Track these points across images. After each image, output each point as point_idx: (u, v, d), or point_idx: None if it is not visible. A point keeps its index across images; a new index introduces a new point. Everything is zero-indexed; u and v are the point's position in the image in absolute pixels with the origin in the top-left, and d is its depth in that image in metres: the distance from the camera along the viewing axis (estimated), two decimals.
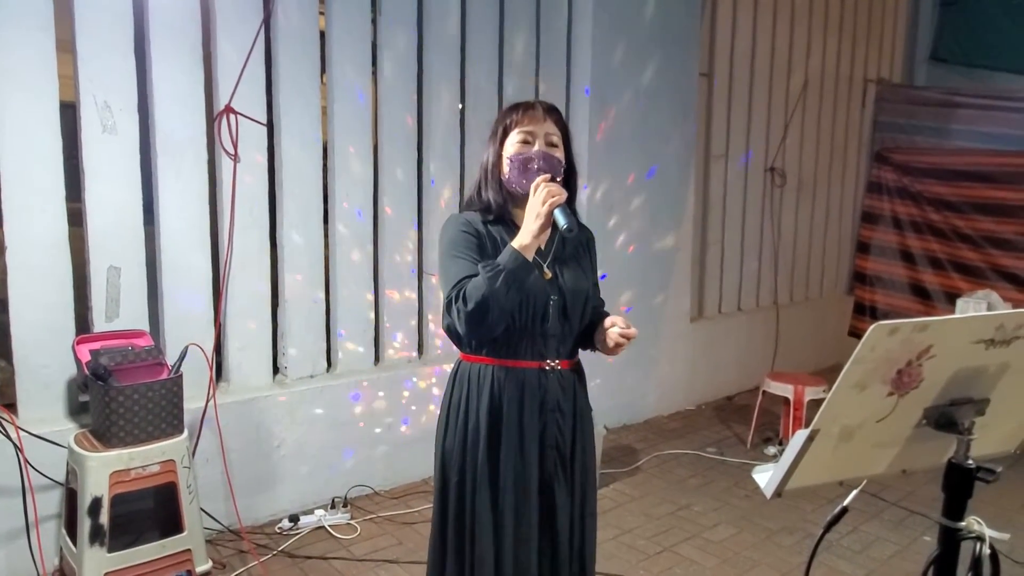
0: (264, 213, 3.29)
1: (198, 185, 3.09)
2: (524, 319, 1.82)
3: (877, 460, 1.44)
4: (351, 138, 3.48)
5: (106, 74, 2.82)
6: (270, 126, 3.27)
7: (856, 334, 6.00)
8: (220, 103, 3.11)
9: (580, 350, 1.98)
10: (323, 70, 3.41)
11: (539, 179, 1.76)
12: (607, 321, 1.87)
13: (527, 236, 1.73)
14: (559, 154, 1.86)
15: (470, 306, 1.70)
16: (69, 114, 2.78)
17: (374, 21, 3.52)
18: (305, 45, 3.29)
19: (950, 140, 5.78)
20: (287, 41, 3.24)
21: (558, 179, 1.82)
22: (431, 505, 2.02)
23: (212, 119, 3.12)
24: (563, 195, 1.74)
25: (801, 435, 1.30)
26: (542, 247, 1.83)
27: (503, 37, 3.95)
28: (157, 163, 2.99)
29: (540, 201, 1.72)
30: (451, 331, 1.82)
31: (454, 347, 1.95)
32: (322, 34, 3.38)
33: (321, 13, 3.36)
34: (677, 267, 4.85)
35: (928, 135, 5.94)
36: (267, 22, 3.18)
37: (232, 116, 3.11)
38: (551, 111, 1.89)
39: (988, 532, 1.37)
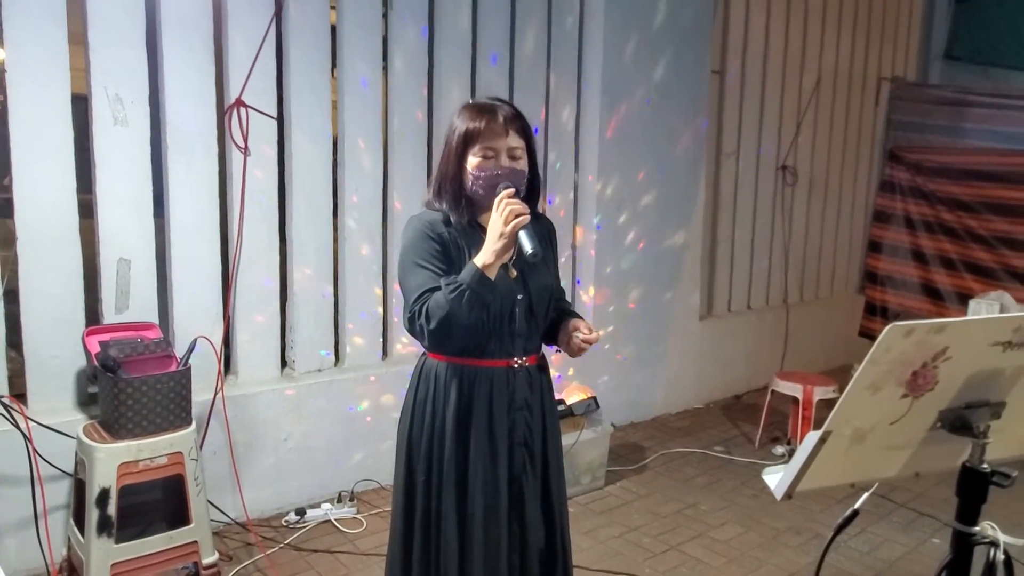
0: (273, 206, 3.29)
1: (208, 178, 3.09)
2: (491, 320, 1.79)
3: (890, 463, 1.42)
4: (361, 132, 3.48)
5: (118, 67, 2.82)
6: (280, 120, 3.27)
7: (867, 334, 5.94)
8: (231, 96, 3.11)
9: (544, 345, 1.96)
10: (334, 64, 3.41)
11: (502, 193, 1.71)
12: (571, 325, 1.87)
13: (490, 255, 1.68)
14: (522, 165, 1.81)
15: (432, 325, 1.69)
16: (81, 106, 2.79)
17: (385, 15, 3.51)
18: (316, 39, 3.29)
19: (964, 139, 5.71)
20: (298, 35, 3.24)
21: (521, 190, 1.78)
22: None
23: (223, 112, 3.12)
24: (527, 215, 1.68)
25: (813, 436, 1.29)
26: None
27: (514, 32, 3.93)
28: (167, 156, 3.00)
29: (504, 221, 1.67)
30: (413, 332, 1.81)
31: None
32: (333, 28, 3.38)
33: (332, 7, 3.36)
34: (686, 264, 4.83)
35: (942, 134, 5.87)
36: (278, 16, 3.17)
37: (242, 109, 3.11)
38: (513, 120, 1.80)
39: (1003, 537, 1.36)
